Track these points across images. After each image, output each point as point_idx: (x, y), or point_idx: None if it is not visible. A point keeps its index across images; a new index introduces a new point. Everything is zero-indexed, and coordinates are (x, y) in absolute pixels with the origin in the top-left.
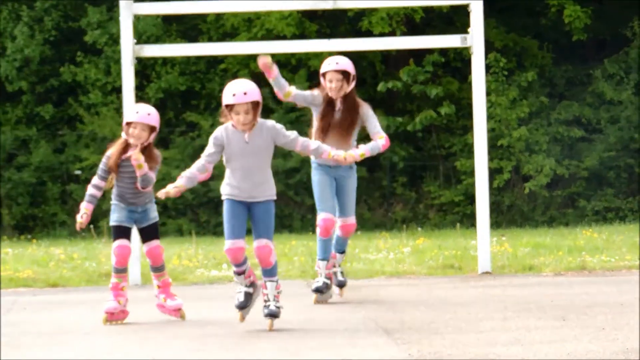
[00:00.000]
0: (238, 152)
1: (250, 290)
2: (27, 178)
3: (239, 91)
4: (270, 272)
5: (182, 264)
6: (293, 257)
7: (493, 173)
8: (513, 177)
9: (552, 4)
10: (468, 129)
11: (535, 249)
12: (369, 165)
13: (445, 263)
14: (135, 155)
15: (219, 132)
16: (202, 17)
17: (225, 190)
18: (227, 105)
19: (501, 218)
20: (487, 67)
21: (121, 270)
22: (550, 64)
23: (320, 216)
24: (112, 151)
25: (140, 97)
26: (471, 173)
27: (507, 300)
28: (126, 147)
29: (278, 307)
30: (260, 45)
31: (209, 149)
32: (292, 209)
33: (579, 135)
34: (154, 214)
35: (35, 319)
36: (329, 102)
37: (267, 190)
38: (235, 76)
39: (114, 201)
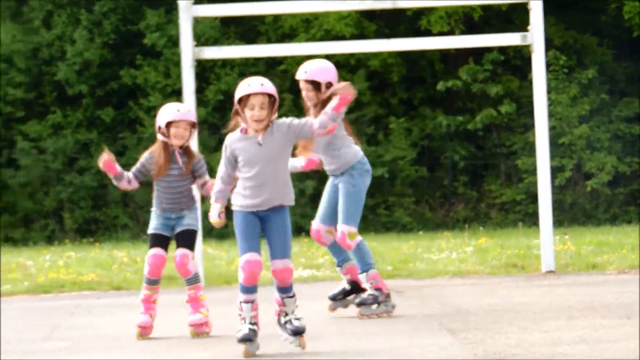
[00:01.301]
0: (252, 159)
1: (255, 328)
2: (89, 181)
3: (255, 82)
4: (288, 289)
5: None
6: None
7: (554, 171)
8: (575, 175)
9: (612, 0)
10: (529, 127)
11: (598, 247)
12: (429, 164)
13: (508, 262)
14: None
15: (228, 140)
16: (260, 18)
17: (237, 200)
18: (240, 100)
19: (563, 216)
20: (547, 65)
21: (154, 282)
22: (611, 61)
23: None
24: (160, 160)
25: (200, 100)
26: (533, 171)
27: (572, 299)
28: (167, 148)
29: (301, 321)
30: (319, 46)
31: (224, 158)
32: None
33: None
34: (189, 221)
35: (99, 322)
36: (307, 111)
37: (288, 194)
38: (293, 78)
39: (152, 208)
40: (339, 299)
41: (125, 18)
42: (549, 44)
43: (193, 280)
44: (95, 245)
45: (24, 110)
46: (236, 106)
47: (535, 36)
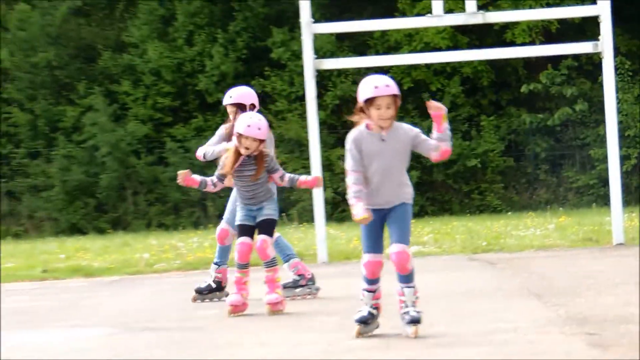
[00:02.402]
0: (375, 154)
1: (375, 312)
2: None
3: (381, 84)
4: (407, 278)
5: (354, 244)
6: (455, 235)
7: (622, 159)
8: (639, 162)
9: None
10: (600, 122)
11: None
12: (515, 155)
13: (585, 237)
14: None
15: (352, 134)
16: (370, 33)
17: (364, 199)
18: (366, 100)
19: (630, 197)
20: (615, 69)
21: (243, 266)
22: None
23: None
24: (226, 162)
25: (319, 104)
26: (603, 160)
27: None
28: (238, 154)
29: (419, 313)
30: (420, 57)
31: (350, 153)
32: (452, 195)
33: None
34: (268, 212)
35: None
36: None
37: (406, 193)
38: (399, 84)
39: (237, 202)
40: (205, 293)
41: (255, 36)
42: (615, 51)
43: (271, 263)
44: None
45: (171, 115)
46: (361, 104)
47: (605, 44)
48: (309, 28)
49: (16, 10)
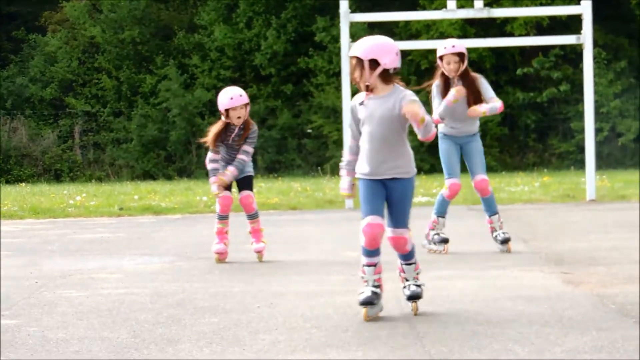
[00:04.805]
0: (363, 119)
1: (378, 291)
2: (275, 135)
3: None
4: (406, 256)
5: None
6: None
7: (596, 131)
8: (610, 134)
9: (638, 14)
10: (579, 100)
11: (626, 184)
12: (510, 125)
13: (564, 193)
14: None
15: (353, 100)
16: (396, 23)
17: (358, 168)
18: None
19: (601, 162)
20: (592, 58)
21: (224, 217)
22: (637, 55)
23: (450, 181)
24: (213, 134)
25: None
26: (581, 131)
27: (607, 219)
28: (226, 127)
29: (419, 286)
30: (436, 43)
31: (350, 119)
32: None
33: None
34: (247, 169)
35: (281, 232)
36: (446, 81)
37: (398, 167)
38: (417, 65)
39: (221, 163)
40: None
41: (302, 22)
42: (594, 43)
43: (254, 215)
44: (279, 179)
45: (231, 84)
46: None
47: (586, 38)
48: (347, 17)
49: None
